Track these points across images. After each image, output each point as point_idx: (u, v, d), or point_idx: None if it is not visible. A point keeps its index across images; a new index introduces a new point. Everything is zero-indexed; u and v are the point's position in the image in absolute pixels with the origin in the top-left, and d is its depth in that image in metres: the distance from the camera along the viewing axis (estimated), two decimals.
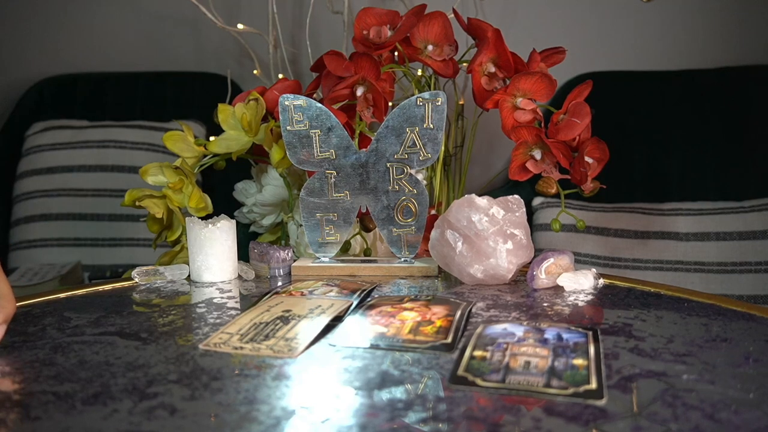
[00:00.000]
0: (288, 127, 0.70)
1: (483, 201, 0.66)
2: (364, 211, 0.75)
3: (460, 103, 1.11)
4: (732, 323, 0.53)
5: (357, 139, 0.77)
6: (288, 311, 0.56)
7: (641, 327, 0.52)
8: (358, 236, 0.83)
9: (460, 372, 0.43)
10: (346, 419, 0.37)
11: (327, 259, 0.74)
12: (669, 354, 0.46)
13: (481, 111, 0.87)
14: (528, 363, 0.44)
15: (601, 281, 0.65)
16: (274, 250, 0.72)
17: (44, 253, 1.34)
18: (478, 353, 0.46)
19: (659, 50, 1.41)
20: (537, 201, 1.26)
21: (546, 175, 0.78)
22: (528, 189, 1.19)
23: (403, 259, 0.73)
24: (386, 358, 0.46)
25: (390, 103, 0.85)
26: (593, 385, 0.41)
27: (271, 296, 0.61)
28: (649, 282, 0.66)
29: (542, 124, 0.79)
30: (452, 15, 0.86)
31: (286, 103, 0.70)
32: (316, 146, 0.71)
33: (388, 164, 0.71)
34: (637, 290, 0.64)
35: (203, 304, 0.61)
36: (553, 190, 0.78)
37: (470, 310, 0.57)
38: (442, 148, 0.78)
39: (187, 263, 0.72)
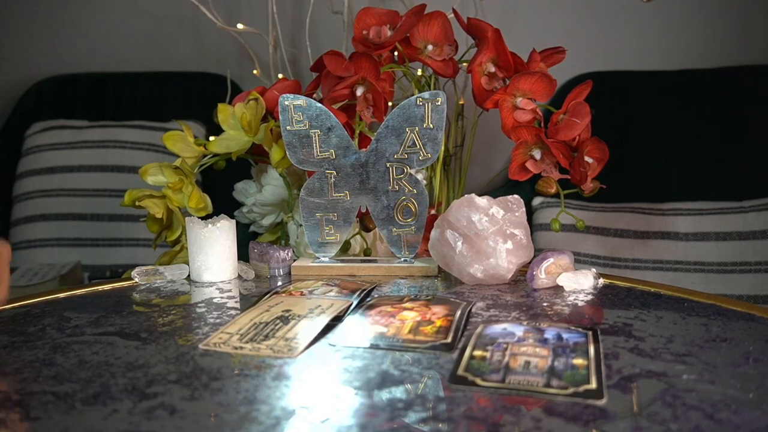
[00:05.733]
0: (288, 127, 0.70)
1: (483, 201, 0.66)
2: (364, 211, 0.75)
3: (460, 103, 1.11)
4: (732, 323, 0.53)
5: (357, 139, 0.77)
6: (288, 311, 0.56)
7: (641, 327, 0.52)
8: (358, 236, 0.83)
9: (460, 372, 0.43)
10: (346, 419, 0.37)
11: (327, 259, 0.74)
12: (669, 354, 0.46)
13: (481, 111, 0.87)
14: (528, 363, 0.44)
15: (601, 281, 0.65)
16: (274, 250, 0.72)
17: (44, 253, 1.34)
18: (478, 353, 0.46)
19: (659, 50, 1.41)
20: (537, 201, 1.26)
21: (546, 175, 0.78)
22: (528, 189, 1.19)
23: (403, 259, 0.73)
24: (386, 358, 0.46)
25: (390, 103, 0.85)
26: (593, 385, 0.41)
27: (271, 296, 0.61)
28: (649, 282, 0.66)
29: (542, 124, 0.79)
30: (452, 15, 0.86)
31: (286, 103, 0.70)
32: (316, 146, 0.71)
33: (388, 164, 0.71)
34: (637, 290, 0.64)
35: (203, 304, 0.61)
36: (553, 190, 0.78)
37: (470, 310, 0.57)
38: (442, 148, 0.78)
39: (187, 263, 0.72)
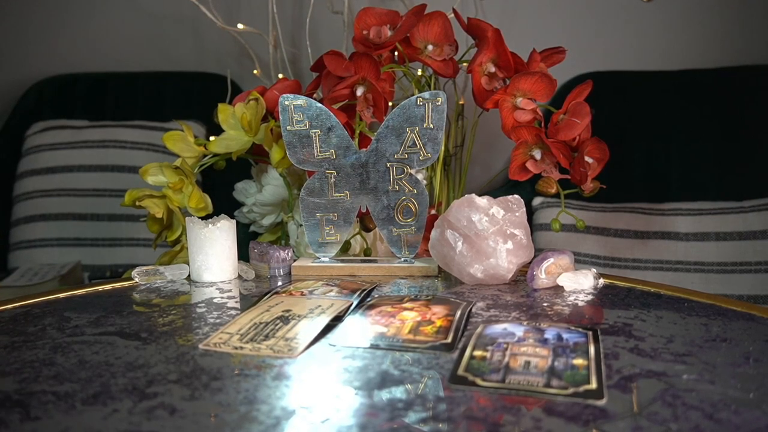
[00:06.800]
0: (288, 127, 0.70)
1: (483, 201, 0.66)
2: (364, 210, 0.75)
3: (460, 103, 1.11)
4: (732, 323, 0.53)
5: (357, 139, 0.77)
6: (288, 311, 0.56)
7: (641, 327, 0.52)
8: (358, 236, 0.83)
9: (460, 372, 0.43)
10: (346, 419, 0.37)
11: (327, 259, 0.74)
12: (669, 354, 0.46)
13: (481, 111, 0.87)
14: (528, 363, 0.44)
15: (601, 281, 0.65)
16: (274, 250, 0.72)
17: (44, 253, 1.34)
18: (478, 353, 0.46)
19: (659, 50, 1.41)
20: (537, 201, 1.26)
21: (546, 175, 0.78)
22: (528, 189, 1.19)
23: (403, 259, 0.73)
24: (386, 358, 0.46)
25: (390, 103, 0.85)
26: (593, 385, 0.41)
27: (271, 296, 0.61)
28: (649, 282, 0.66)
29: (542, 124, 0.79)
30: (452, 15, 0.86)
31: (286, 103, 0.70)
32: (316, 146, 0.71)
33: (388, 164, 0.71)
34: (637, 290, 0.64)
35: (203, 304, 0.61)
36: (553, 190, 0.78)
37: (470, 310, 0.57)
38: (442, 148, 0.78)
39: (187, 263, 0.72)
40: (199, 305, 0.61)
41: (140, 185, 0.79)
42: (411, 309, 0.56)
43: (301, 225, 0.83)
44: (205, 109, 1.29)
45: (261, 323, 0.53)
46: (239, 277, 0.73)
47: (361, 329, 0.52)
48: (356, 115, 0.79)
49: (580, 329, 0.50)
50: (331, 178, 0.72)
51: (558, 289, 0.64)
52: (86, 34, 1.61)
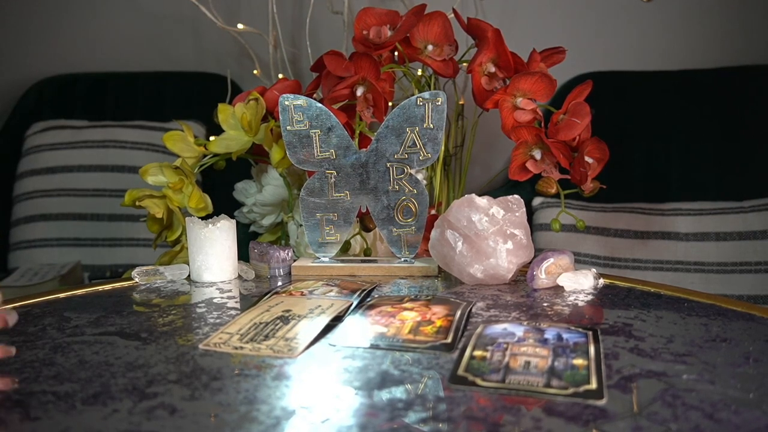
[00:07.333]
0: (288, 127, 0.70)
1: (483, 201, 0.66)
2: (364, 211, 0.75)
3: (460, 103, 1.11)
4: (732, 323, 0.53)
5: (357, 139, 0.77)
6: (288, 311, 0.56)
7: (641, 327, 0.52)
8: (358, 236, 0.83)
9: (460, 372, 0.43)
10: (346, 419, 0.37)
11: (327, 259, 0.74)
12: (669, 354, 0.46)
13: (481, 111, 0.87)
14: (528, 363, 0.44)
15: (601, 281, 0.65)
16: (274, 250, 0.72)
17: (44, 253, 1.34)
18: (478, 353, 0.46)
19: (659, 50, 1.41)
20: (537, 201, 1.26)
21: (546, 175, 0.78)
22: (528, 189, 1.19)
23: (403, 259, 0.73)
24: (386, 358, 0.46)
25: (390, 103, 0.85)
26: (593, 385, 0.41)
27: (271, 296, 0.61)
28: (649, 282, 0.66)
29: (542, 124, 0.79)
30: (452, 15, 0.86)
31: (286, 103, 0.70)
32: (316, 146, 0.71)
33: (388, 164, 0.71)
34: (637, 290, 0.64)
35: (203, 304, 0.61)
36: (553, 190, 0.78)
37: (470, 310, 0.57)
38: (442, 148, 0.78)
39: (187, 263, 0.72)
40: (199, 305, 0.61)
41: (140, 185, 0.79)
42: (411, 309, 0.56)
43: (301, 225, 0.83)
44: (205, 109, 1.28)
45: (261, 323, 0.53)
46: (239, 277, 0.73)
47: (361, 329, 0.52)
48: (356, 115, 0.79)
49: (580, 329, 0.50)
50: (331, 178, 0.71)
51: (558, 289, 0.64)
52: (86, 34, 1.61)
